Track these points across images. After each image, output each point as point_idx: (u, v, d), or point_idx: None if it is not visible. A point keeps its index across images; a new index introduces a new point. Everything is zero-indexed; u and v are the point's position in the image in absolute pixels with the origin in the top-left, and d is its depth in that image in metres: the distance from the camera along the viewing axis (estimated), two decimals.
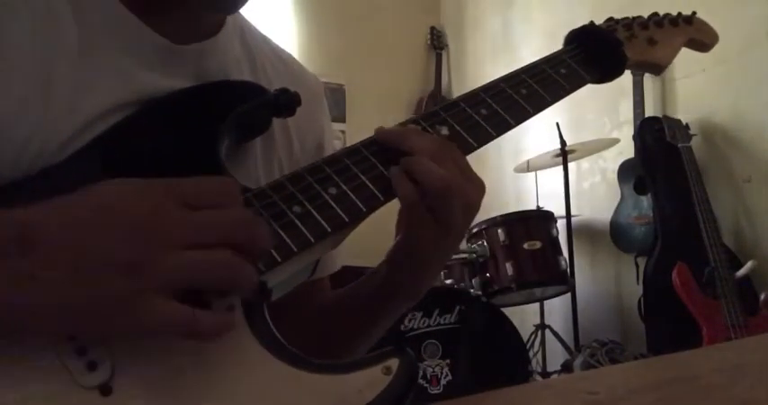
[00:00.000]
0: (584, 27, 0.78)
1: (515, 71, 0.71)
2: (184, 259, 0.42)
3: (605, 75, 0.76)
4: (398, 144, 0.59)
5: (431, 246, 0.60)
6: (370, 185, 0.57)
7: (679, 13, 0.83)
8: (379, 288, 0.67)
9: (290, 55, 0.79)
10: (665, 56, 0.81)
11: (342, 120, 3.87)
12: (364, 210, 0.56)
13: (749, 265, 2.28)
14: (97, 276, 0.41)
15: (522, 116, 0.67)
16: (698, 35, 0.84)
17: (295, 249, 0.51)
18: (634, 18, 0.81)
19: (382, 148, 0.59)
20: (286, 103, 0.62)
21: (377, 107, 3.84)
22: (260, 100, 0.62)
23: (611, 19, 0.81)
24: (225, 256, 0.43)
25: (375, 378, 0.45)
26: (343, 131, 3.81)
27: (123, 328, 0.42)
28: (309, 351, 0.47)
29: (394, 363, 0.46)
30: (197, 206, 0.44)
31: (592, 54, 0.75)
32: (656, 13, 0.82)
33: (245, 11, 0.69)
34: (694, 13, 0.84)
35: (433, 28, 4.38)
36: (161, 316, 0.41)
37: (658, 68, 0.82)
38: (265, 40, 0.76)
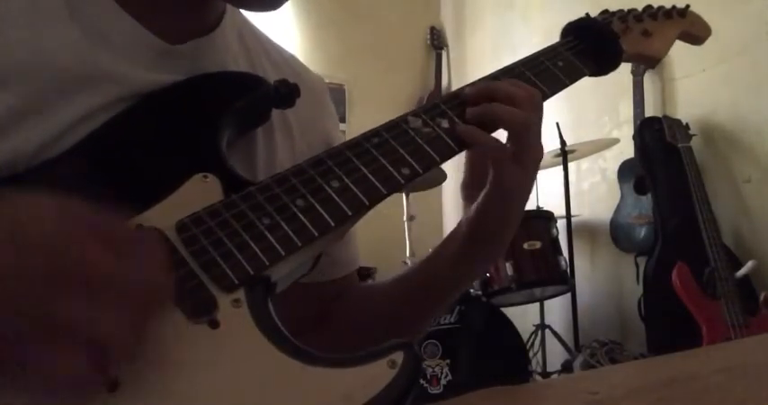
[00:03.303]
0: (580, 19, 0.78)
1: (513, 64, 0.71)
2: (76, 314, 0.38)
3: (602, 67, 0.76)
4: (488, 96, 0.64)
5: (519, 187, 0.65)
6: (371, 178, 0.57)
7: (673, 6, 0.84)
8: (467, 244, 0.68)
9: (291, 54, 0.79)
10: (660, 48, 0.82)
11: (342, 119, 3.87)
12: (367, 202, 0.56)
13: (749, 265, 2.28)
14: None
15: None
16: (691, 28, 0.85)
17: (299, 244, 0.51)
18: (629, 11, 0.82)
19: (383, 141, 0.60)
20: (285, 94, 0.62)
21: (377, 107, 3.84)
22: (259, 91, 0.62)
23: (606, 11, 0.81)
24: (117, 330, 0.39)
25: (380, 371, 0.45)
26: (343, 131, 3.81)
27: None
28: (378, 337, 0.48)
29: (399, 356, 0.46)
30: (118, 253, 0.40)
31: (588, 46, 0.75)
32: (650, 6, 0.83)
33: (245, 11, 0.69)
34: (688, 5, 0.85)
35: (432, 28, 4.39)
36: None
37: (653, 61, 0.82)
38: (266, 40, 0.75)
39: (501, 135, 0.64)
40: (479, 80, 0.68)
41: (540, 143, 0.65)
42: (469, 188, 0.69)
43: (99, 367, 0.39)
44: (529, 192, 0.67)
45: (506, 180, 0.64)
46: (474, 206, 0.67)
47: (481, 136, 0.63)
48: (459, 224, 0.69)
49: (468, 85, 0.67)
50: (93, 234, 0.40)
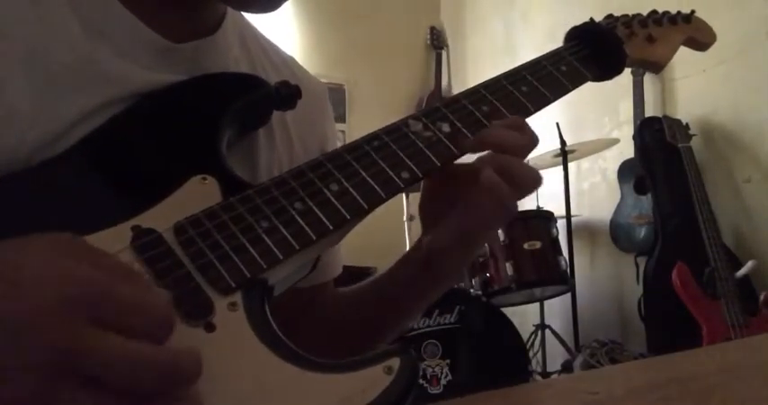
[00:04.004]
0: (584, 24, 0.78)
1: (516, 68, 0.71)
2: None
3: (605, 72, 0.76)
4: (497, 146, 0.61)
5: (492, 227, 0.65)
6: (371, 181, 0.56)
7: (678, 12, 0.84)
8: (425, 269, 0.67)
9: (292, 58, 0.78)
10: (664, 54, 0.81)
11: (342, 120, 3.87)
12: (366, 206, 0.55)
13: (749, 265, 2.28)
14: None
15: (523, 113, 0.67)
16: (696, 34, 0.85)
17: (297, 247, 0.51)
18: (633, 16, 0.81)
19: (382, 144, 0.59)
20: (286, 95, 0.62)
21: (377, 107, 3.84)
22: (260, 92, 0.62)
23: (610, 16, 0.81)
24: None
25: (376, 377, 0.45)
26: (342, 131, 3.81)
27: None
28: (337, 350, 0.47)
29: (395, 362, 0.46)
30: (121, 329, 0.36)
31: (592, 51, 0.75)
32: (655, 11, 0.83)
33: (244, 12, 0.69)
34: (693, 11, 0.84)
35: (432, 28, 4.38)
36: None
37: (657, 67, 0.82)
38: (266, 42, 0.75)
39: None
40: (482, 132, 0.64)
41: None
42: (433, 204, 0.67)
43: None
44: (500, 224, 0.65)
45: (485, 214, 0.61)
46: (437, 234, 0.64)
47: (499, 186, 0.59)
48: (419, 246, 0.67)
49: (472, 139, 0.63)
50: (86, 304, 0.36)
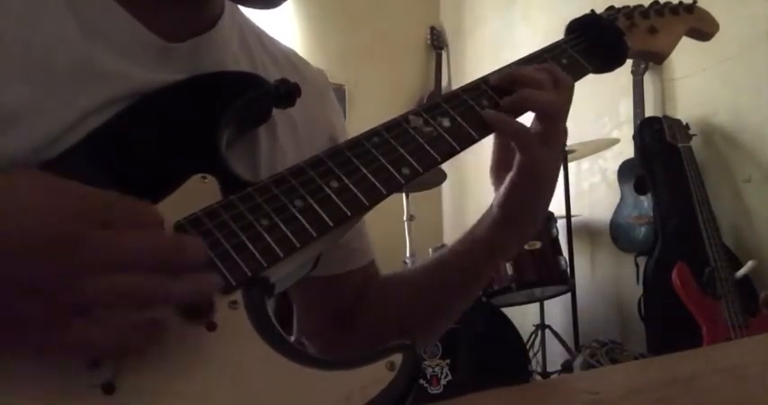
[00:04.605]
0: (585, 16, 0.77)
1: (517, 61, 0.70)
2: (104, 284, 0.40)
3: (607, 64, 0.76)
4: (516, 82, 0.65)
5: (548, 168, 0.67)
6: (371, 178, 0.56)
7: (680, 2, 0.83)
8: (500, 226, 0.69)
9: (291, 50, 0.78)
10: (667, 45, 0.81)
11: None
12: (366, 203, 0.55)
13: (749, 265, 2.28)
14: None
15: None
16: (699, 24, 0.84)
17: (297, 245, 0.51)
18: (635, 7, 0.81)
19: (383, 141, 0.59)
20: (285, 93, 0.62)
21: (377, 107, 3.83)
22: (259, 90, 0.62)
23: (611, 8, 0.81)
24: (150, 282, 0.41)
25: (379, 374, 0.45)
26: None
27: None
28: (411, 328, 0.48)
29: (397, 358, 0.46)
30: (115, 226, 0.42)
31: (593, 43, 0.75)
32: (656, 2, 0.82)
33: (245, 9, 0.68)
34: (695, 1, 0.84)
35: (432, 28, 4.38)
36: (78, 340, 0.40)
37: (659, 58, 0.82)
38: (265, 37, 0.75)
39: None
40: (501, 68, 0.69)
41: (566, 125, 0.67)
42: (498, 171, 0.70)
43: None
44: (557, 172, 0.69)
45: (535, 162, 0.65)
46: (503, 189, 0.68)
47: (506, 120, 0.64)
48: (490, 208, 0.70)
49: (492, 74, 0.68)
50: (90, 211, 0.41)
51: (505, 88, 0.66)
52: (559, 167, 0.69)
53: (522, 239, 0.74)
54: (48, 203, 0.41)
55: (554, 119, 0.65)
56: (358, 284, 0.78)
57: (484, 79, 0.67)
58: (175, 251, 0.43)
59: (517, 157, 0.66)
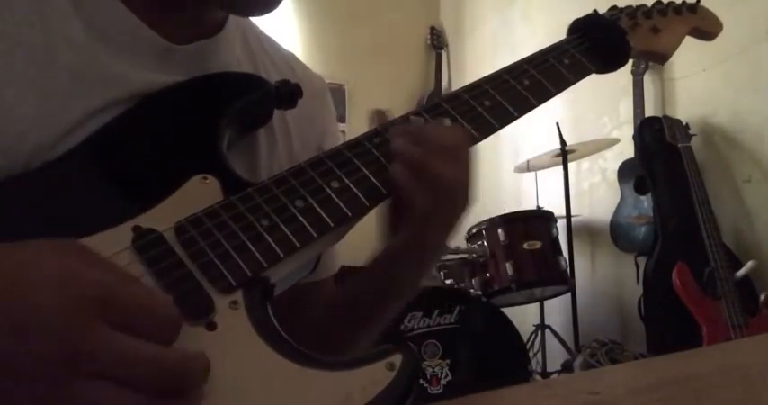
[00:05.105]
0: (587, 16, 0.77)
1: (519, 61, 0.70)
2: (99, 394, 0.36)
3: (609, 64, 0.75)
4: (415, 142, 0.58)
5: (438, 240, 0.61)
6: (372, 178, 0.56)
7: (683, 1, 0.83)
8: (382, 289, 0.66)
9: (292, 54, 0.78)
10: (669, 45, 0.81)
11: (342, 120, 3.87)
12: (367, 203, 0.55)
13: (749, 265, 2.28)
14: None
15: (526, 107, 0.66)
16: (702, 24, 0.83)
17: (298, 245, 0.51)
18: (638, 7, 0.81)
19: (384, 141, 0.59)
20: (287, 94, 0.62)
21: (377, 106, 3.83)
22: (261, 91, 0.62)
23: (614, 8, 0.81)
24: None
25: (378, 374, 0.45)
26: (343, 131, 3.81)
27: None
28: (321, 350, 0.47)
29: (397, 359, 0.46)
30: (130, 329, 0.38)
31: (595, 44, 0.74)
32: (659, 2, 0.82)
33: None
34: (698, 0, 0.83)
35: (432, 28, 4.38)
36: None
37: (662, 58, 0.81)
38: (268, 41, 0.75)
39: None
40: (407, 122, 0.62)
41: (467, 198, 0.61)
42: (391, 215, 0.63)
43: None
44: (444, 246, 0.63)
45: (427, 236, 0.60)
46: (389, 247, 0.63)
47: (411, 185, 0.57)
48: (379, 254, 0.65)
49: (397, 126, 0.61)
50: (99, 303, 0.37)
51: None
52: (446, 241, 0.62)
53: (407, 292, 0.68)
54: (62, 289, 0.37)
55: (452, 196, 0.58)
56: (306, 295, 0.74)
57: (486, 79, 0.67)
58: (179, 376, 0.39)
59: (410, 222, 0.59)
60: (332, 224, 0.53)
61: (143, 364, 0.37)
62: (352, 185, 0.55)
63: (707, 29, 0.84)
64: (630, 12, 0.80)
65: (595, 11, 0.79)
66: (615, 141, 2.93)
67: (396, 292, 0.67)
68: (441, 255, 0.65)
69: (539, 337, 2.87)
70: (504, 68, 0.69)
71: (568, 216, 2.84)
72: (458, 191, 0.59)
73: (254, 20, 0.74)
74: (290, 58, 0.77)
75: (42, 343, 0.35)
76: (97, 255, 0.41)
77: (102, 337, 0.37)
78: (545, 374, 2.75)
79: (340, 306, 0.74)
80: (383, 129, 0.60)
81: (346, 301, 0.72)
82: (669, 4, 0.82)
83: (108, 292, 0.38)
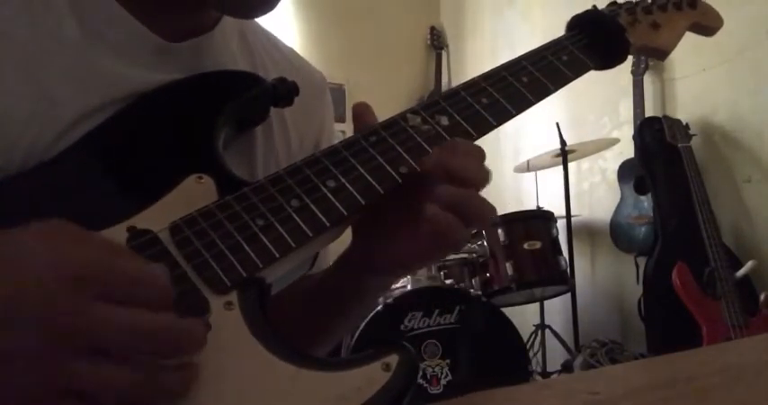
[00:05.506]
0: (586, 12, 0.76)
1: (517, 58, 0.69)
2: (98, 368, 0.37)
3: (608, 61, 0.74)
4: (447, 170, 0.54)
5: (431, 259, 0.61)
6: (368, 177, 0.56)
7: None
8: (353, 292, 0.65)
9: (291, 50, 0.78)
10: (669, 40, 0.80)
11: (342, 120, 3.86)
12: (363, 202, 0.54)
13: (749, 265, 2.28)
14: None
15: (524, 105, 0.65)
16: (702, 19, 0.82)
17: (293, 245, 0.51)
18: (637, 2, 0.79)
19: (380, 139, 0.58)
20: (284, 92, 0.62)
21: (377, 107, 3.77)
22: (257, 89, 0.62)
23: (613, 3, 0.80)
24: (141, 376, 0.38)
25: (374, 375, 0.45)
26: (343, 131, 3.81)
27: None
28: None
29: (393, 359, 0.45)
30: (123, 301, 0.38)
31: (594, 40, 0.73)
32: None
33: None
34: None
35: (432, 28, 4.38)
36: None
37: (662, 53, 0.80)
38: (266, 36, 0.75)
39: None
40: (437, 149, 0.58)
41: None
42: (368, 222, 0.60)
43: None
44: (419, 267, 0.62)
45: (415, 265, 0.60)
46: (373, 255, 0.60)
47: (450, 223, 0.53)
48: (348, 260, 0.64)
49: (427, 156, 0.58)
50: (89, 281, 0.38)
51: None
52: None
53: (374, 295, 0.67)
54: (48, 267, 0.38)
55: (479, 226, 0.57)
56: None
57: (484, 76, 0.67)
58: (174, 341, 0.40)
59: (421, 230, 0.55)
60: (328, 223, 0.52)
61: (140, 331, 0.38)
62: (348, 184, 0.55)
63: (707, 24, 0.83)
64: (630, 7, 0.79)
65: (594, 7, 0.78)
66: (615, 141, 2.93)
67: (364, 297, 0.66)
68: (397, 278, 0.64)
69: (539, 337, 2.87)
70: (503, 65, 0.68)
71: (568, 216, 2.84)
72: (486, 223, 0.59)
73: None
74: (289, 54, 0.77)
75: (32, 326, 0.36)
76: (83, 231, 0.41)
77: (95, 311, 0.37)
78: (545, 374, 2.75)
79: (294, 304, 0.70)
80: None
81: (304, 299, 0.70)
82: None
83: (97, 267, 0.39)
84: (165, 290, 0.41)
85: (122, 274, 0.39)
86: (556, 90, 0.68)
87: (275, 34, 0.78)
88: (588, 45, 0.73)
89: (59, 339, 0.36)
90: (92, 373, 0.37)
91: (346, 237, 0.62)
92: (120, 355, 0.38)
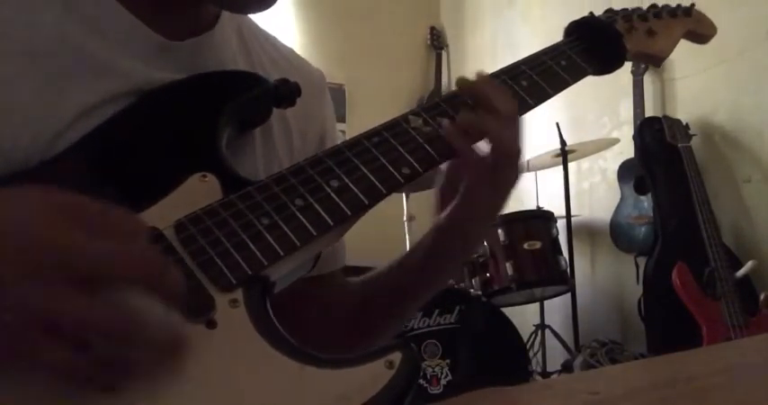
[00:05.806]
0: (583, 18, 0.78)
1: (516, 63, 0.70)
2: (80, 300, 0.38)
3: (605, 66, 0.76)
4: (483, 100, 0.62)
5: (487, 209, 0.65)
6: (371, 177, 0.56)
7: (678, 5, 0.84)
8: (427, 256, 0.69)
9: (290, 49, 0.78)
10: (665, 47, 0.81)
11: (342, 120, 3.86)
12: (366, 202, 0.55)
13: (749, 265, 2.28)
14: None
15: (523, 108, 0.66)
16: (696, 27, 0.84)
17: (298, 243, 0.51)
18: (633, 10, 0.82)
19: (383, 140, 0.59)
20: (286, 93, 0.62)
21: (377, 107, 3.83)
22: (259, 90, 0.62)
23: (610, 10, 0.81)
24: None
25: (378, 372, 0.45)
26: (343, 131, 3.81)
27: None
28: (337, 339, 0.48)
29: (396, 357, 0.46)
30: (99, 234, 0.40)
31: (592, 45, 0.75)
32: (654, 5, 0.83)
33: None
34: (693, 4, 0.85)
35: (432, 28, 4.38)
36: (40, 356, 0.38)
37: (657, 60, 0.82)
38: (265, 36, 0.75)
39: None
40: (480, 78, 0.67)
41: (519, 171, 0.65)
42: (444, 195, 0.68)
43: (94, 358, 0.39)
44: (495, 216, 0.67)
45: (477, 200, 0.64)
46: (439, 219, 0.67)
47: (465, 147, 0.61)
48: (426, 234, 0.69)
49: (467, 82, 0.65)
50: (66, 216, 0.40)
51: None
52: (497, 212, 0.66)
53: (445, 273, 0.73)
54: (31, 207, 0.41)
55: (511, 161, 0.63)
56: (314, 288, 0.76)
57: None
58: (146, 266, 0.41)
59: (462, 188, 0.64)
60: (331, 223, 0.53)
61: (116, 257, 0.39)
62: (351, 184, 0.55)
63: (701, 32, 0.85)
64: (626, 15, 0.80)
65: (591, 13, 0.80)
66: (615, 141, 2.93)
67: (435, 272, 0.70)
68: (483, 236, 0.70)
69: (539, 337, 2.87)
70: (502, 70, 0.69)
71: (568, 216, 2.84)
72: (514, 157, 0.62)
73: (253, 16, 0.74)
74: (288, 53, 0.77)
75: (11, 254, 0.38)
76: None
77: (73, 239, 0.39)
78: (545, 374, 2.75)
79: (368, 293, 0.76)
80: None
81: (384, 279, 0.74)
82: (664, 7, 0.83)
83: (75, 206, 0.41)
84: (135, 223, 0.44)
85: (98, 211, 0.42)
86: (555, 94, 0.70)
87: (275, 34, 0.78)
88: (586, 50, 0.74)
89: (38, 266, 0.38)
90: (69, 301, 0.38)
91: (348, 237, 0.62)
92: (96, 286, 0.39)
